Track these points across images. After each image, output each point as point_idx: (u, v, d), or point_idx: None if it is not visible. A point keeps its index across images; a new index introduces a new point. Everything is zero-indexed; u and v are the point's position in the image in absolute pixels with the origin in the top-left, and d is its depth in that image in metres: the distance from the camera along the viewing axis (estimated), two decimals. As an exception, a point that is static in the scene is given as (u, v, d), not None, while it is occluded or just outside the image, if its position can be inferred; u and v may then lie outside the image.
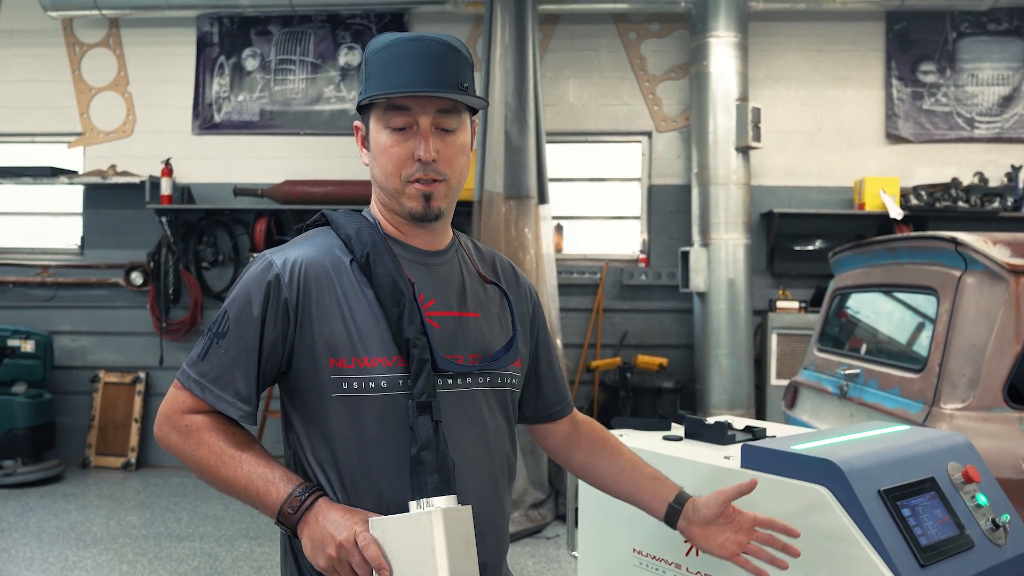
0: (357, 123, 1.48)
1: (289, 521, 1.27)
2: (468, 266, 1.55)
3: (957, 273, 2.93)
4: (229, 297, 1.41)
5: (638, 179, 6.81)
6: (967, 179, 6.37)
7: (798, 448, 1.65)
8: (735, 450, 1.83)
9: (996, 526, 1.69)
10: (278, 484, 1.29)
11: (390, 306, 1.37)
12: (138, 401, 6.82)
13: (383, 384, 1.36)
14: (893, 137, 6.56)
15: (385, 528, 1.23)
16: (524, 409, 1.65)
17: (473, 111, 1.47)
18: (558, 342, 5.75)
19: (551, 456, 1.72)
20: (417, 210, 1.41)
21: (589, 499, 2.11)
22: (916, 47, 6.55)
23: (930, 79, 6.55)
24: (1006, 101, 6.53)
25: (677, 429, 2.14)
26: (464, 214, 6.29)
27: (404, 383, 1.37)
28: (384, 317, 1.38)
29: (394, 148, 1.38)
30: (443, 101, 1.37)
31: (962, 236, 2.94)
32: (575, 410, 1.73)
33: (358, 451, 1.37)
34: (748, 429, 2.06)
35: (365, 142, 1.46)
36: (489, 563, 1.44)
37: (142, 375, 6.87)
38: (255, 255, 6.83)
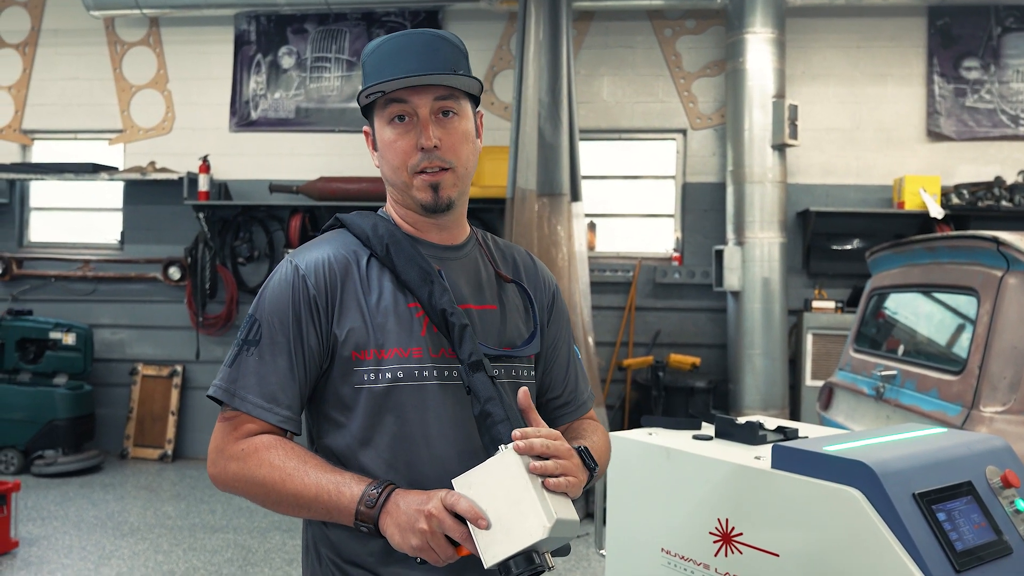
0: (366, 128, 1.49)
1: (369, 517, 1.25)
2: (486, 262, 1.55)
3: (999, 273, 2.86)
4: (256, 305, 1.40)
5: (672, 177, 6.75)
6: (1011, 178, 6.22)
7: (830, 449, 1.62)
8: (766, 450, 1.81)
9: (1035, 532, 1.65)
10: (350, 485, 1.28)
11: (419, 286, 1.38)
12: (175, 394, 6.93)
13: (399, 375, 1.37)
14: (934, 135, 6.43)
15: (470, 483, 1.22)
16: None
17: (475, 102, 1.47)
18: (590, 340, 5.72)
19: None
20: (427, 201, 1.42)
21: (618, 498, 2.10)
22: (959, 43, 6.42)
23: (973, 75, 6.41)
24: (1053, 98, 6.37)
25: (707, 428, 2.12)
26: (497, 211, 6.30)
27: (420, 374, 1.37)
28: (397, 311, 1.39)
29: (397, 142, 1.40)
30: (440, 89, 1.38)
31: (1004, 235, 2.87)
32: (591, 415, 1.68)
33: (385, 444, 1.37)
34: (780, 429, 2.03)
35: (375, 144, 1.48)
36: None
37: (179, 368, 6.98)
38: (288, 252, 6.89)
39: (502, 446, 1.23)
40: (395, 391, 1.37)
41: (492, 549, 1.17)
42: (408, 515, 1.22)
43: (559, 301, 1.64)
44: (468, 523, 1.19)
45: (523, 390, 1.30)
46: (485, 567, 1.18)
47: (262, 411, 1.34)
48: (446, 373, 1.39)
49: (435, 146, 1.38)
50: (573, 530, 1.21)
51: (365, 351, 1.37)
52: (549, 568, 1.18)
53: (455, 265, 1.48)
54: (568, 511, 1.20)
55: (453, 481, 1.23)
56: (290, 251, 6.94)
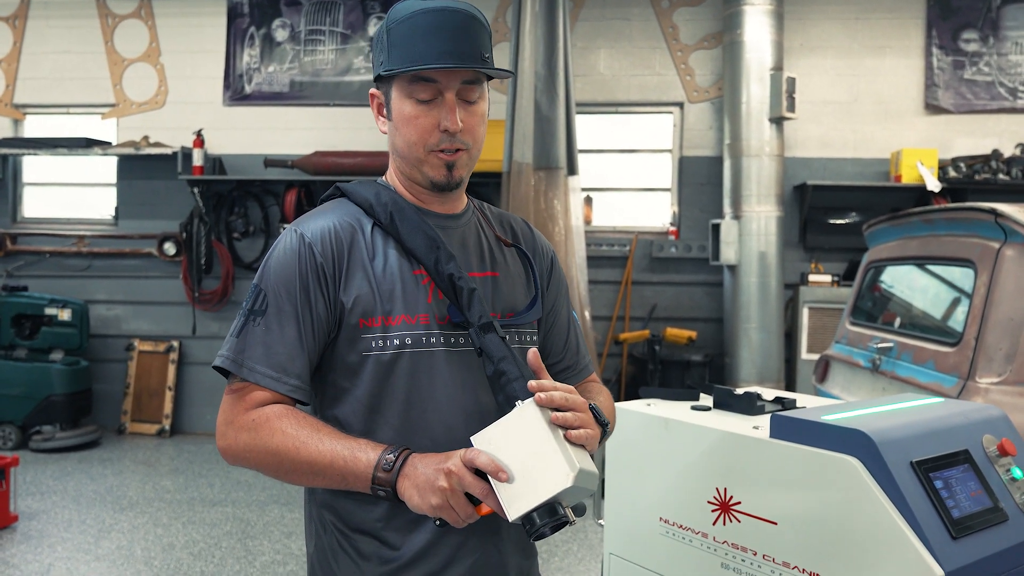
0: (373, 91, 1.47)
1: (386, 481, 1.24)
2: (485, 229, 1.55)
3: (996, 245, 2.86)
4: (261, 275, 1.39)
5: (669, 150, 6.73)
6: (1008, 151, 6.21)
7: (829, 419, 1.62)
8: (764, 420, 1.81)
9: (1031, 500, 1.66)
10: (365, 450, 1.27)
11: (425, 253, 1.38)
12: (172, 370, 6.93)
13: (408, 341, 1.37)
14: (932, 107, 6.40)
15: (490, 439, 1.21)
16: None
17: (488, 77, 1.46)
18: (586, 314, 5.73)
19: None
20: (439, 179, 1.42)
21: (616, 468, 2.11)
22: (958, 15, 6.37)
23: (972, 48, 6.37)
24: (1051, 70, 6.34)
25: (705, 399, 2.13)
26: (493, 185, 6.28)
27: (427, 340, 1.38)
28: (403, 278, 1.39)
29: (420, 119, 1.38)
30: (468, 72, 1.37)
31: (1002, 207, 2.87)
32: (594, 377, 1.69)
33: (394, 410, 1.37)
34: (778, 400, 2.03)
35: (382, 110, 1.46)
36: (501, 532, 1.45)
37: (175, 344, 6.97)
38: (285, 226, 6.79)
39: (519, 402, 1.23)
40: (403, 357, 1.37)
41: (515, 503, 1.17)
42: (427, 475, 1.21)
43: (557, 267, 1.65)
44: (490, 479, 1.18)
45: (532, 351, 1.30)
46: (509, 520, 1.18)
47: (271, 380, 1.33)
48: (452, 340, 1.39)
49: (459, 130, 1.38)
50: (593, 482, 1.20)
51: (372, 318, 1.36)
52: (571, 522, 1.18)
53: (456, 233, 1.48)
54: (588, 463, 1.20)
55: (472, 438, 1.23)
56: (285, 226, 6.86)
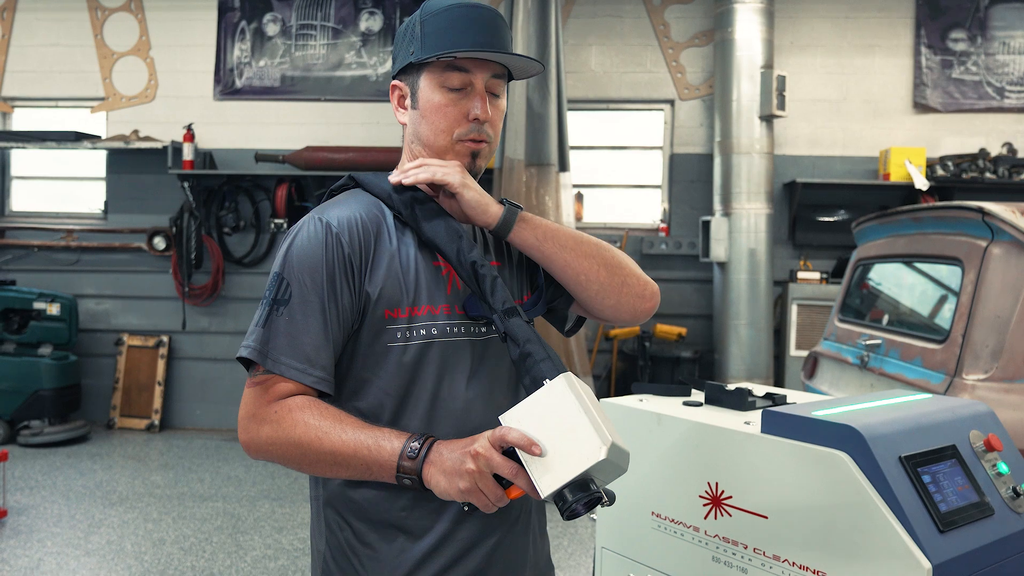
0: (396, 82, 1.49)
1: (411, 470, 1.24)
2: None
3: (983, 243, 2.90)
4: (283, 263, 1.37)
5: (660, 147, 6.75)
6: (995, 150, 6.27)
7: (819, 414, 1.64)
8: (755, 416, 1.83)
9: (1016, 494, 1.69)
10: (389, 439, 1.27)
11: (447, 242, 1.39)
12: (161, 364, 6.91)
13: (433, 332, 1.38)
14: (920, 106, 6.45)
15: (519, 417, 1.20)
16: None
17: (510, 77, 1.51)
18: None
19: (610, 317, 1.57)
20: (463, 167, 1.44)
21: (608, 463, 2.13)
22: (947, 14, 6.42)
23: (960, 47, 6.42)
24: (1038, 70, 6.40)
25: (697, 395, 2.14)
26: (485, 181, 6.28)
27: (451, 330, 1.39)
28: (426, 269, 1.40)
29: (449, 107, 1.41)
30: (496, 66, 1.42)
31: (989, 206, 2.91)
32: None
33: (420, 400, 1.38)
34: (768, 396, 2.05)
35: (403, 101, 1.48)
36: (520, 516, 1.47)
37: (165, 339, 6.95)
38: (275, 222, 6.69)
39: (546, 381, 1.22)
40: (431, 348, 1.38)
41: (546, 478, 1.15)
42: (453, 459, 1.21)
43: None
44: (520, 458, 1.17)
45: None
46: (541, 497, 1.17)
47: (296, 372, 1.32)
48: (474, 330, 1.42)
49: (487, 119, 1.42)
50: (625, 460, 1.18)
51: (398, 309, 1.37)
52: (604, 501, 1.16)
53: (467, 226, 1.50)
54: (620, 439, 1.18)
55: (501, 417, 1.22)
56: (276, 221, 6.77)
